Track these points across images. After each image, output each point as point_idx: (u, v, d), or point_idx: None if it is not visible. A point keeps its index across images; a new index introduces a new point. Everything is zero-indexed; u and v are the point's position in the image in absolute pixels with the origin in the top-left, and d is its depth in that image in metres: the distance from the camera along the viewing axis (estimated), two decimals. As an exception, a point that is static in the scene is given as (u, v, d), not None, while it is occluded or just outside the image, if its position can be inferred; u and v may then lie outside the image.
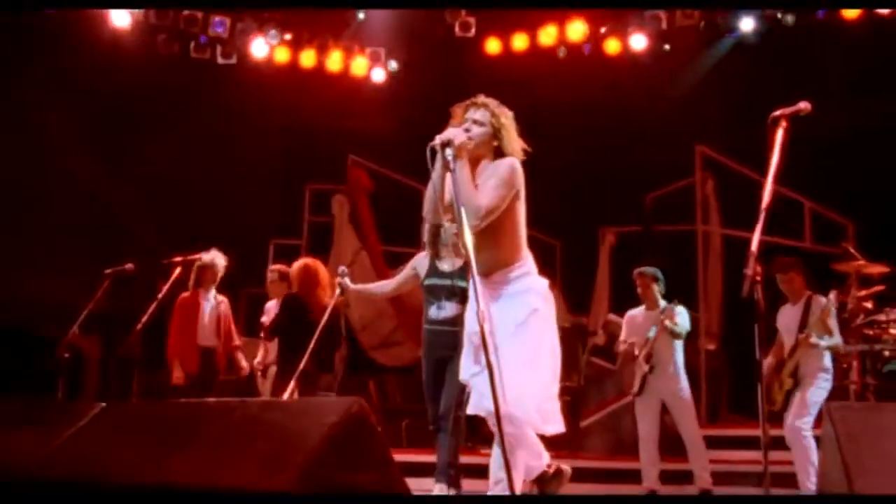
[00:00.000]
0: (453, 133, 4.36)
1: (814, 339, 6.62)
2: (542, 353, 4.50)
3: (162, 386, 7.30)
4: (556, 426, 4.52)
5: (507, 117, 4.56)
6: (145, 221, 10.20)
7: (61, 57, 10.35)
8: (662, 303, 7.39)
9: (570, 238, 11.29)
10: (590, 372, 8.89)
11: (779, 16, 10.52)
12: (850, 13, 10.27)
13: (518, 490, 4.28)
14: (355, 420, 2.93)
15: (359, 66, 11.51)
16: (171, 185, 10.54)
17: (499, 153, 4.55)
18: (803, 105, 4.32)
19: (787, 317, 6.95)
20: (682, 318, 7.34)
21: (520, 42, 11.43)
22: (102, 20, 10.44)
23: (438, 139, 4.32)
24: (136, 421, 3.33)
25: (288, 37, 11.12)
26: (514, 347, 4.36)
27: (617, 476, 7.75)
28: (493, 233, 4.44)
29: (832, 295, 6.68)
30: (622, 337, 7.58)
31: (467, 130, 4.45)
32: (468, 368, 4.58)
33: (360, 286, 6.60)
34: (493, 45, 11.47)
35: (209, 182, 10.71)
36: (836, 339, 6.75)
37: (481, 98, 4.60)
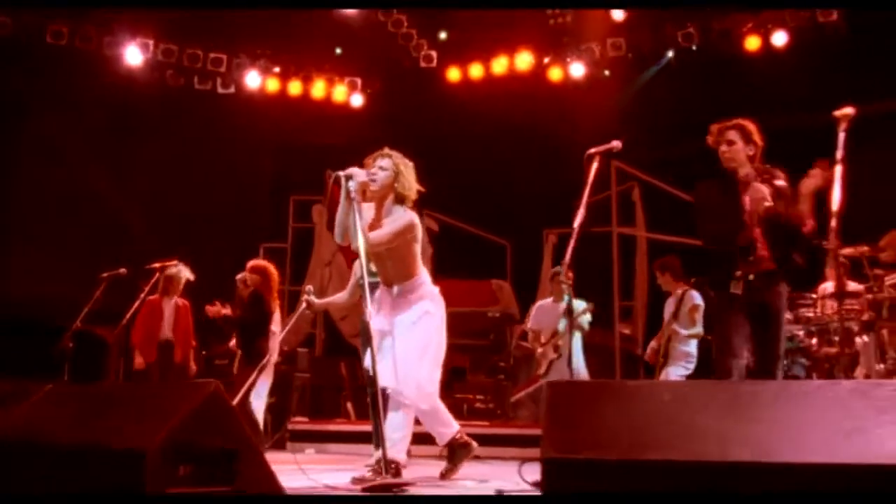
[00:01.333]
0: (358, 171, 5.00)
1: (674, 326, 7.28)
2: (429, 347, 5.20)
3: (128, 370, 7.99)
4: (430, 404, 5.20)
5: (405, 166, 5.21)
6: (152, 228, 10.89)
7: (85, 88, 11.11)
8: (567, 297, 8.03)
9: (519, 239, 11.95)
10: (519, 353, 9.55)
11: (693, 47, 11.03)
12: (752, 45, 10.82)
13: (394, 453, 4.93)
14: (212, 398, 3.63)
15: (339, 93, 12.18)
16: (176, 195, 11.29)
17: (399, 195, 5.13)
18: (615, 143, 4.97)
19: (667, 308, 7.61)
20: (585, 316, 8.00)
21: (476, 71, 12.07)
22: (119, 59, 11.12)
23: (343, 172, 4.97)
24: (71, 397, 4.05)
25: (277, 69, 11.76)
26: (407, 341, 5.09)
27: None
28: (394, 254, 5.12)
29: (693, 292, 7.33)
30: (528, 324, 8.24)
31: (373, 174, 5.05)
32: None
33: (323, 301, 7.11)
34: (453, 74, 12.15)
35: (208, 193, 11.45)
36: (697, 329, 7.40)
37: (387, 150, 5.23)
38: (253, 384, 6.86)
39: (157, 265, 7.77)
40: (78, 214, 10.92)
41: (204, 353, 8.70)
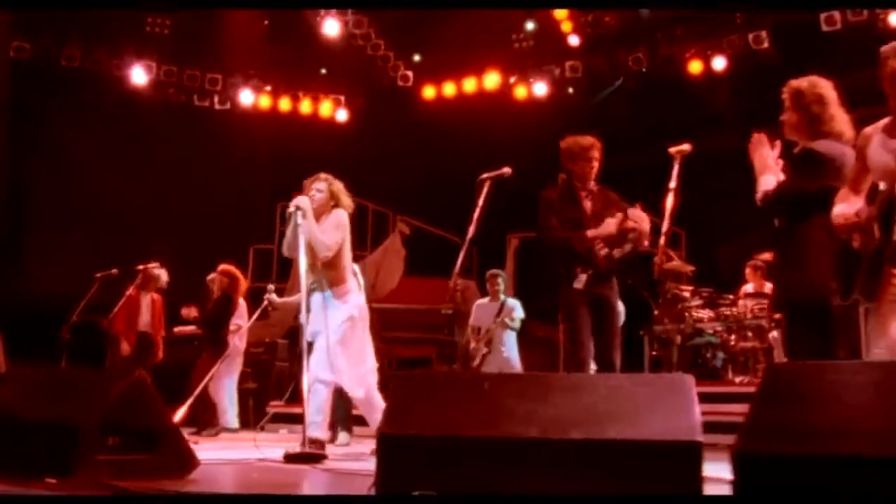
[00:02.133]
0: (303, 201, 5.61)
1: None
2: (354, 343, 5.79)
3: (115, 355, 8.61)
4: (364, 392, 5.81)
5: (336, 186, 5.85)
6: (155, 229, 11.51)
7: (96, 105, 11.80)
8: (502, 297, 8.64)
9: (485, 242, 12.48)
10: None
11: (644, 69, 11.56)
12: (695, 68, 11.35)
13: (317, 432, 5.54)
14: (138, 385, 4.24)
15: (325, 108, 12.81)
16: (176, 200, 11.94)
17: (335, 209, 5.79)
18: (506, 170, 5.52)
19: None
20: (517, 311, 8.58)
21: (449, 89, 12.63)
22: (126, 79, 11.81)
23: (292, 205, 5.59)
24: (31, 380, 4.70)
25: (268, 88, 12.40)
26: (335, 339, 5.67)
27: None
28: (328, 264, 5.71)
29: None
30: (471, 321, 8.84)
31: (312, 196, 5.68)
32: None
33: (283, 300, 7.68)
34: (428, 92, 12.71)
35: (206, 198, 12.09)
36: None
37: (322, 175, 5.88)
38: (216, 372, 7.47)
39: (140, 267, 8.38)
40: (87, 216, 11.58)
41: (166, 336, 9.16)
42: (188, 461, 4.40)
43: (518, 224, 12.69)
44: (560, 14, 11.35)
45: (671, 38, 11.60)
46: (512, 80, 12.53)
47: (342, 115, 13.12)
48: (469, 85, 12.63)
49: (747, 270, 9.71)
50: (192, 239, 11.51)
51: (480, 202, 5.49)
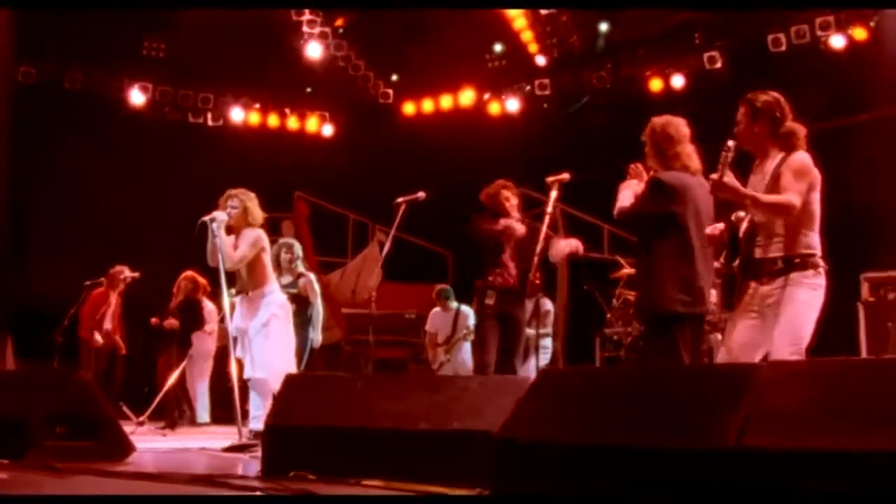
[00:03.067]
0: (218, 214, 6.40)
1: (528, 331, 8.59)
2: (278, 341, 6.54)
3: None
4: (261, 374, 6.51)
5: (250, 199, 6.62)
6: (150, 237, 12.27)
7: (96, 125, 12.64)
8: (454, 305, 9.37)
9: (460, 249, 13.23)
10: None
11: (608, 86, 12.25)
12: (655, 86, 12.00)
13: (255, 425, 6.31)
14: (81, 382, 5.06)
15: (311, 124, 13.61)
16: (171, 210, 12.67)
17: (249, 223, 6.57)
18: (420, 194, 6.30)
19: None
20: (470, 319, 9.32)
21: (427, 106, 13.41)
22: (125, 99, 12.69)
23: (208, 217, 6.38)
24: None
25: (257, 106, 13.24)
26: (261, 337, 6.45)
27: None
28: (250, 268, 6.52)
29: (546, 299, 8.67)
30: (427, 327, 9.58)
31: (228, 212, 6.47)
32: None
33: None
34: (408, 108, 13.49)
35: (201, 209, 12.84)
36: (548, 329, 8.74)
37: (234, 191, 6.63)
38: (191, 373, 8.30)
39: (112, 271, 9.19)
40: (88, 228, 12.41)
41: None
42: (125, 447, 5.22)
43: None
44: (526, 36, 12.04)
45: (633, 58, 12.28)
46: (486, 96, 13.24)
47: (328, 130, 13.91)
48: (446, 101, 13.36)
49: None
50: (187, 247, 12.31)
51: (396, 222, 6.24)
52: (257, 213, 6.64)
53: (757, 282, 4.38)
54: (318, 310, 7.73)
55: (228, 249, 6.40)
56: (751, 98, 4.53)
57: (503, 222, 6.24)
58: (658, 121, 5.07)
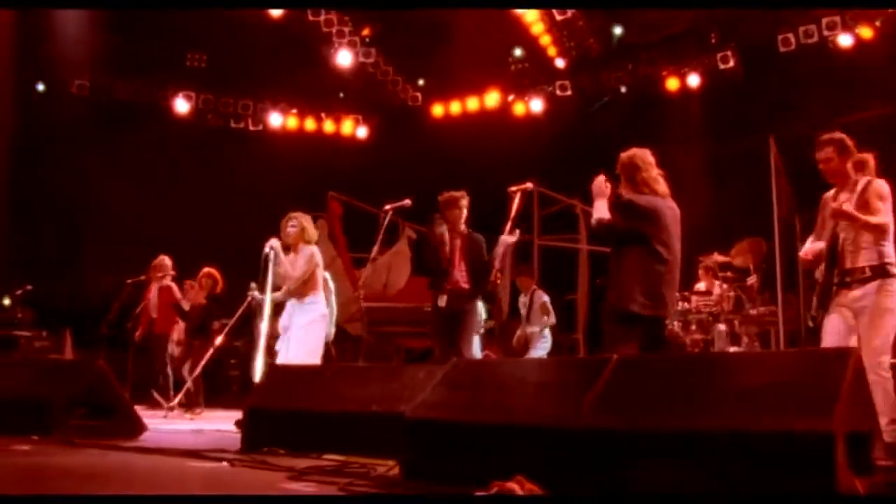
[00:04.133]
0: (276, 243, 7.16)
1: (528, 329, 9.20)
2: (310, 343, 7.27)
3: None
4: None
5: (307, 220, 7.42)
6: (194, 235, 13.15)
7: (145, 131, 13.60)
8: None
9: (487, 244, 13.82)
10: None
11: (622, 89, 12.72)
12: (671, 85, 12.43)
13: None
14: (98, 370, 5.86)
15: (347, 127, 14.39)
16: (216, 209, 13.62)
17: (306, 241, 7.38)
18: (406, 201, 6.96)
19: (521, 304, 9.60)
20: (482, 315, 9.99)
21: (455, 107, 14.03)
22: (171, 107, 13.65)
23: (268, 247, 7.13)
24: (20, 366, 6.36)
25: (294, 111, 14.06)
26: (300, 334, 7.19)
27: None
28: (300, 284, 7.27)
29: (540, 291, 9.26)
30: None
31: (288, 233, 7.26)
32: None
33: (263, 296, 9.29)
34: (437, 110, 14.13)
35: (238, 209, 13.76)
36: (551, 320, 9.33)
37: (294, 214, 7.46)
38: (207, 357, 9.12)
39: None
40: (137, 231, 13.38)
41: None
42: (138, 427, 6.03)
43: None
44: (544, 40, 12.58)
45: (650, 59, 12.71)
46: (510, 98, 13.81)
47: (362, 132, 14.67)
48: (472, 103, 13.98)
49: (700, 271, 10.80)
50: (226, 241, 13.19)
51: (383, 227, 6.92)
52: (312, 232, 7.42)
53: (847, 288, 5.14)
54: (332, 307, 8.34)
55: (289, 269, 7.13)
56: (838, 139, 5.28)
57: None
58: (625, 154, 5.69)
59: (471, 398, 3.88)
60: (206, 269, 9.86)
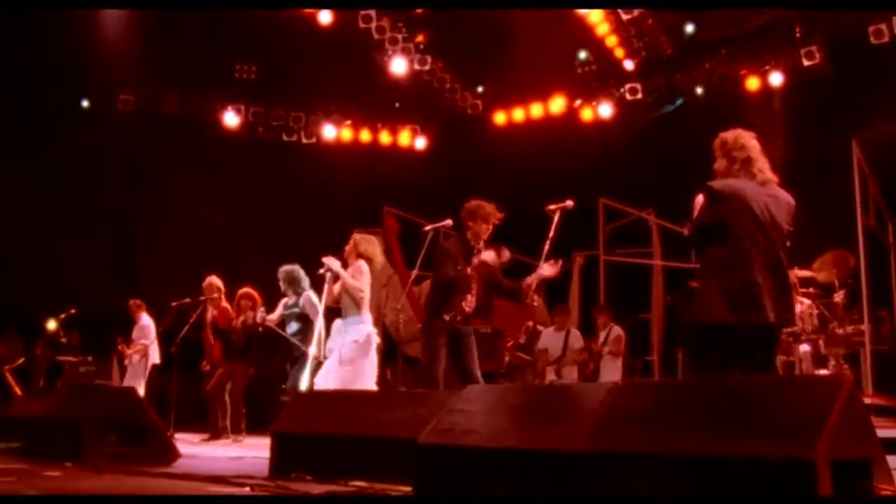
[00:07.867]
0: (334, 264, 7.59)
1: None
2: (357, 362, 7.64)
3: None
4: None
5: (362, 239, 7.82)
6: (248, 255, 13.71)
7: (194, 147, 14.28)
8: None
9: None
10: (515, 362, 11.76)
11: (698, 90, 12.84)
12: (752, 85, 12.49)
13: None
14: (133, 398, 6.32)
15: (404, 137, 14.82)
16: (268, 229, 14.16)
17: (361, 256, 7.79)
18: (447, 221, 7.22)
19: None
20: (578, 342, 10.51)
21: (518, 115, 14.31)
22: (220, 121, 14.30)
23: (324, 269, 7.58)
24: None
25: (348, 122, 14.55)
26: (348, 357, 7.56)
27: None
28: (347, 301, 7.66)
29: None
30: (539, 345, 10.67)
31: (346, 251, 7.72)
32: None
33: (275, 315, 9.82)
34: (500, 118, 14.44)
35: (292, 226, 14.27)
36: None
37: (357, 235, 7.88)
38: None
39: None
40: (189, 244, 13.97)
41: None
42: (171, 453, 6.47)
43: (583, 242, 14.18)
44: (611, 41, 12.78)
45: (726, 57, 12.79)
46: (577, 103, 14.04)
47: (421, 143, 15.07)
48: (536, 110, 14.24)
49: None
50: (279, 259, 13.70)
51: (424, 248, 7.22)
52: (365, 248, 7.81)
53: None
54: (319, 326, 8.47)
55: (350, 282, 7.54)
56: None
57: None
58: (727, 134, 5.26)
59: (481, 424, 4.14)
60: (244, 290, 10.28)
